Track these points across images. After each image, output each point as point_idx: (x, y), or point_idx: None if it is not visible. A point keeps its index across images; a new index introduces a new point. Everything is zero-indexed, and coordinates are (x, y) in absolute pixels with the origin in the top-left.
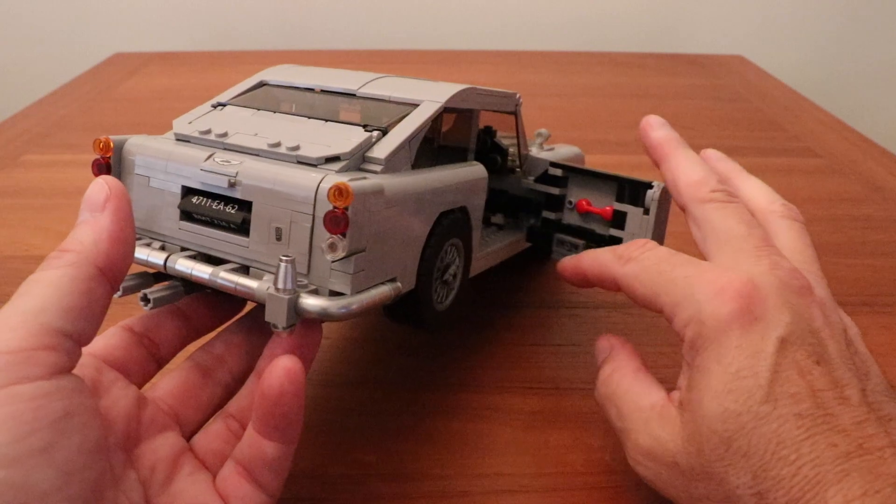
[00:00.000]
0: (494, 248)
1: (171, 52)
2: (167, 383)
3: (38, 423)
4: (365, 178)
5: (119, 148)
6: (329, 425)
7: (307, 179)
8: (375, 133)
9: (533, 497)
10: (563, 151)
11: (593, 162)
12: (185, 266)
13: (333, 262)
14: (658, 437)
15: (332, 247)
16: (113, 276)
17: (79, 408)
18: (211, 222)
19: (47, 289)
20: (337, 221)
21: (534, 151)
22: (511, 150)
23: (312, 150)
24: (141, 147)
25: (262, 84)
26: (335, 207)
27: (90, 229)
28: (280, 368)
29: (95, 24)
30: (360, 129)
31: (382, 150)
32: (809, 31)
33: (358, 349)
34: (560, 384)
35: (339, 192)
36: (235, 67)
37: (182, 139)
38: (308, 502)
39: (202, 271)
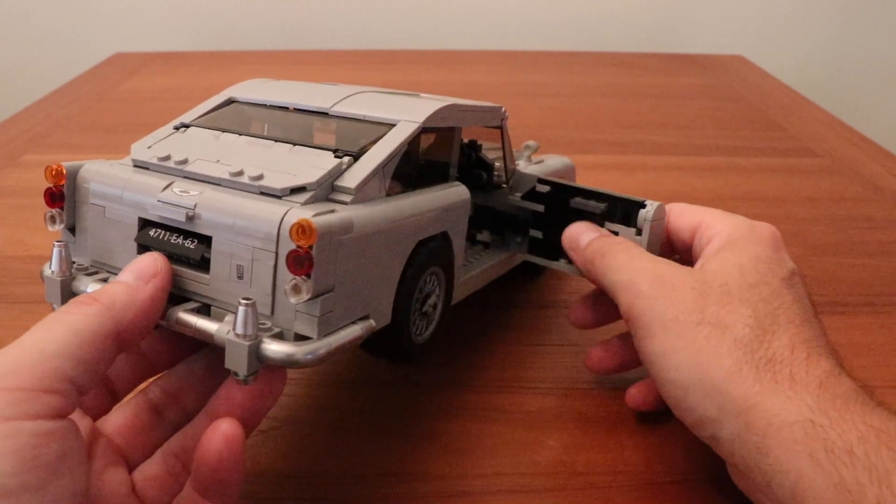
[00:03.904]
0: (480, 269)
1: (171, 52)
2: (117, 419)
3: (37, 461)
4: (333, 210)
5: (73, 175)
6: (329, 425)
7: (269, 213)
8: (346, 159)
9: (533, 497)
10: (552, 163)
11: (593, 162)
12: None
13: (299, 304)
14: (673, 267)
15: (296, 289)
16: (126, 343)
17: (72, 451)
18: (169, 257)
19: (68, 334)
20: (300, 262)
21: (521, 165)
22: (497, 164)
23: (276, 180)
24: (96, 174)
25: (230, 101)
26: (298, 246)
27: (128, 294)
28: (219, 435)
29: (95, 24)
30: (330, 154)
31: (353, 178)
32: (809, 31)
33: (357, 349)
34: (560, 384)
35: (301, 229)
36: (235, 67)
37: (140, 165)
38: (308, 502)
39: None
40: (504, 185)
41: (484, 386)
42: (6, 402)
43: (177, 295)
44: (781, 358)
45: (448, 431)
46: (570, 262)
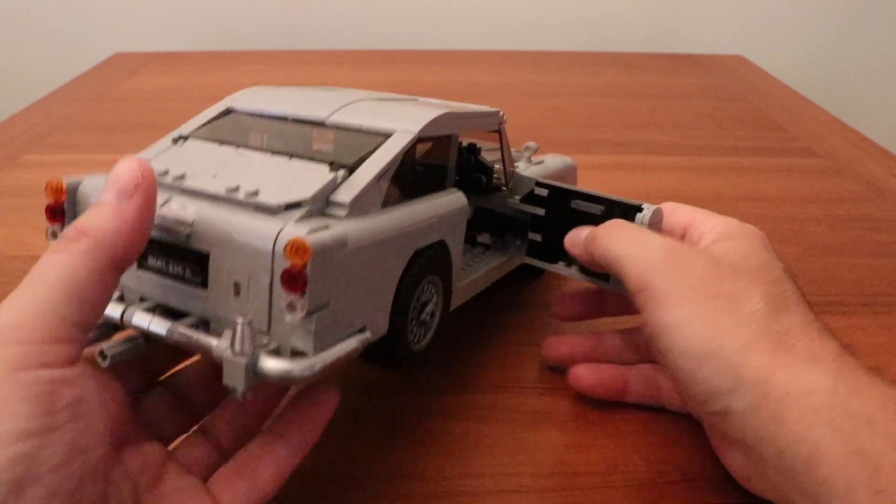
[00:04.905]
0: (479, 273)
1: (171, 52)
2: (144, 406)
3: (55, 405)
4: (327, 226)
5: (73, 191)
6: (329, 425)
7: (264, 231)
8: (341, 173)
9: (533, 497)
10: (553, 164)
11: (593, 162)
12: (143, 320)
13: (295, 321)
14: (682, 243)
15: (291, 306)
16: (123, 267)
17: (87, 395)
18: (168, 273)
19: (67, 280)
20: (294, 280)
21: (521, 166)
22: (497, 166)
23: (272, 196)
24: (95, 190)
25: (228, 111)
26: (292, 265)
27: (114, 217)
28: (323, 387)
29: (95, 24)
30: (325, 167)
31: (348, 192)
32: (809, 31)
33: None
34: (560, 384)
35: (295, 248)
36: (235, 67)
37: None
38: (308, 502)
39: (159, 326)
40: (504, 188)
41: (484, 386)
42: (21, 354)
43: (176, 309)
44: (796, 333)
45: (448, 431)
46: (569, 264)
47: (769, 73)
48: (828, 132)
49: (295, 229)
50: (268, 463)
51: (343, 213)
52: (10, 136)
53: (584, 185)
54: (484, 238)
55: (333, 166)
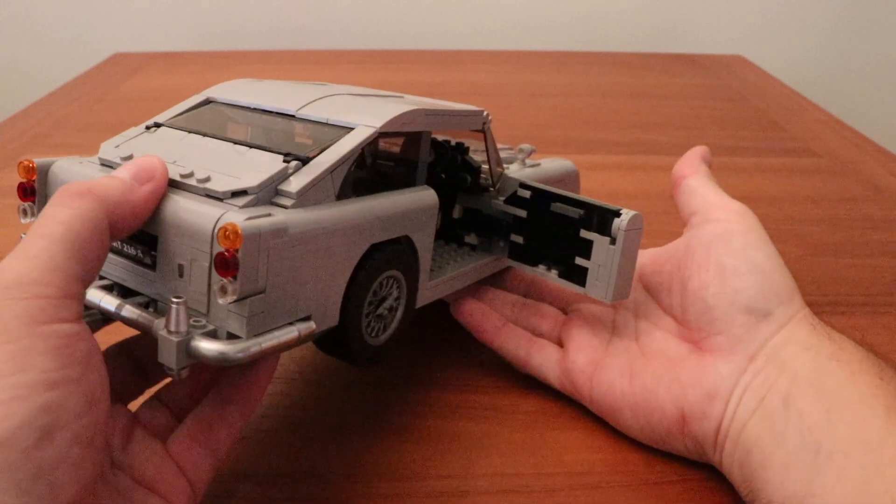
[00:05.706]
0: (455, 272)
1: (171, 52)
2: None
3: (71, 358)
4: (268, 215)
5: (44, 171)
6: (328, 425)
7: (205, 216)
8: (293, 163)
9: (533, 497)
10: (549, 167)
11: (593, 162)
12: (95, 296)
13: (227, 304)
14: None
15: (223, 290)
16: (115, 237)
17: (95, 350)
18: (124, 253)
19: (71, 235)
20: (226, 264)
21: (514, 167)
22: (485, 167)
23: (220, 183)
24: (63, 171)
25: (207, 101)
26: (225, 249)
27: (122, 190)
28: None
29: (95, 24)
30: (279, 158)
31: (297, 182)
32: (809, 31)
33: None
34: None
35: (226, 233)
36: (235, 67)
37: (106, 164)
38: (308, 502)
39: (109, 303)
40: (491, 189)
41: (484, 386)
42: (38, 308)
43: (129, 289)
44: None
45: (448, 431)
46: (549, 268)
47: (769, 73)
48: (828, 132)
49: (234, 215)
50: (220, 426)
51: (290, 202)
52: (10, 136)
53: (584, 185)
54: (471, 238)
55: (288, 157)
